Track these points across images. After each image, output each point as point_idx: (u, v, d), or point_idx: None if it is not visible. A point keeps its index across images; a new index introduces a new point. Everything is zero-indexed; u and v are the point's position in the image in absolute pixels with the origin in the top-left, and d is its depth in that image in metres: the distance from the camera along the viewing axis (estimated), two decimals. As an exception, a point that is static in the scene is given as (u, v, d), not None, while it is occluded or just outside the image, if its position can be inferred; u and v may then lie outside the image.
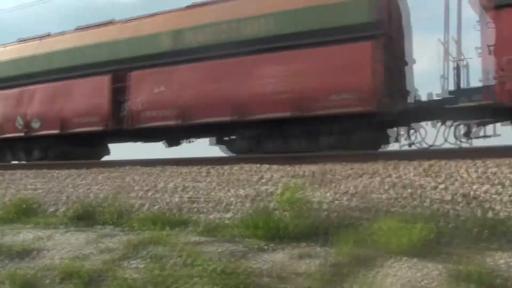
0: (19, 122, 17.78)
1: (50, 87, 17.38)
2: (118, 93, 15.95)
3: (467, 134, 12.21)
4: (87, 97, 16.36)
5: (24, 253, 8.54)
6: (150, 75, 15.36)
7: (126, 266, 7.54)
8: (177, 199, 9.66)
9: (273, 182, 9.35)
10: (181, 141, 16.31)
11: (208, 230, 8.17)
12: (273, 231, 7.48)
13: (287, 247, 7.13)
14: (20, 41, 19.74)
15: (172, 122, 14.76)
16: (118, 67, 16.00)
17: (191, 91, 14.45)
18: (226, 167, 10.72)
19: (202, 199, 9.45)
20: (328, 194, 8.44)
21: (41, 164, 14.52)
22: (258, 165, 10.48)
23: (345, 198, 8.31)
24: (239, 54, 13.82)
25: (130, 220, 9.28)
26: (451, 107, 12.14)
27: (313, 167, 9.77)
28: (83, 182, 11.90)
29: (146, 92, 15.27)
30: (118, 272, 7.35)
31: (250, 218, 8.11)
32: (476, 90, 12.22)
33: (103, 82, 16.20)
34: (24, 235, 9.32)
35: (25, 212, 10.74)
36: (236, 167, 10.50)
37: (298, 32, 13.25)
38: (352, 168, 9.50)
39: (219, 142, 15.18)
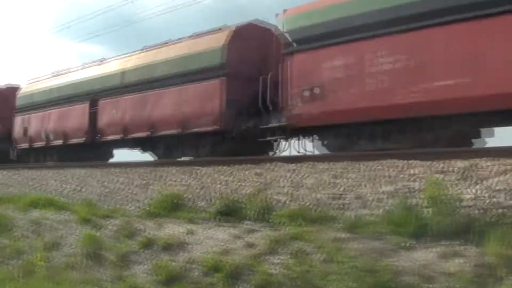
0: (43, 135, 24.46)
1: (58, 111, 23.90)
2: (94, 116, 21.78)
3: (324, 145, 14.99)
4: (76, 118, 22.65)
5: (173, 246, 9.01)
6: (109, 103, 21.16)
7: (269, 261, 7.72)
8: (318, 196, 9.71)
9: (415, 178, 9.12)
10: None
11: (349, 227, 8.15)
12: (416, 229, 7.32)
13: (431, 245, 6.96)
14: (53, 73, 26.24)
15: (119, 137, 20.42)
16: (93, 96, 21.93)
17: (128, 115, 20.11)
18: (366, 163, 10.58)
19: (343, 196, 9.42)
20: (473, 191, 8.10)
21: (189, 162, 15.17)
22: (400, 161, 10.24)
23: (492, 195, 7.93)
24: (152, 88, 19.20)
25: (273, 216, 9.44)
26: (264, 127, 15.69)
27: (459, 163, 9.40)
28: (228, 178, 12.24)
29: (107, 115, 21.15)
30: (261, 267, 7.56)
31: (392, 215, 7.99)
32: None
33: (85, 107, 22.28)
34: (173, 229, 9.83)
35: (174, 207, 11.30)
36: (376, 163, 10.33)
37: (182, 72, 18.15)
38: (500, 164, 9.01)
39: (146, 150, 20.60)
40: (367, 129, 13.61)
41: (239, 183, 11.66)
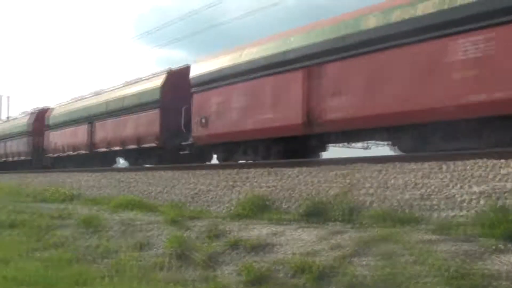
0: (62, 148, 33.18)
1: (70, 129, 32.40)
2: (93, 133, 29.73)
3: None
4: (81, 135, 30.93)
5: (259, 247, 9.14)
6: (99, 124, 29.18)
7: (357, 262, 7.73)
8: (407, 196, 9.62)
9: (508, 178, 8.85)
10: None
11: (440, 228, 8.04)
12: (510, 231, 7.12)
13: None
14: (72, 99, 35.47)
15: (105, 149, 28.42)
16: (91, 119, 30.06)
17: (109, 134, 27.94)
18: (458, 163, 10.36)
19: (433, 196, 9.30)
20: None
21: (273, 163, 15.29)
22: (492, 160, 9.96)
23: None
24: (123, 115, 26.89)
25: (360, 217, 9.45)
26: (184, 144, 21.70)
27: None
28: (314, 179, 12.29)
29: (98, 133, 29.19)
30: (349, 268, 7.56)
31: (485, 216, 7.81)
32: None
33: (85, 127, 30.43)
34: (259, 230, 9.97)
35: (260, 209, 11.47)
36: (469, 163, 10.09)
37: (137, 104, 25.71)
38: None
39: (124, 159, 28.89)
40: (240, 146, 19.38)
41: (324, 184, 11.69)
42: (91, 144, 29.81)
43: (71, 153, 32.15)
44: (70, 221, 14.13)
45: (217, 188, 14.12)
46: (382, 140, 16.13)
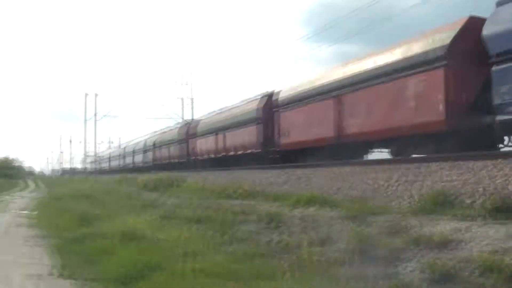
0: (199, 152, 44.89)
1: (205, 138, 43.53)
2: (218, 142, 39.98)
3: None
4: (211, 143, 41.59)
5: (443, 244, 8.84)
6: (224, 135, 38.40)
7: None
8: None
9: None
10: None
11: None
12: None
13: None
14: (209, 113, 48.92)
15: (225, 154, 38.06)
16: (217, 131, 40.08)
17: (227, 142, 37.89)
18: None
19: None
20: None
21: (455, 156, 14.70)
22: None
23: None
24: (231, 129, 37.25)
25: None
26: (272, 150, 30.61)
27: None
28: (499, 172, 11.67)
29: (221, 141, 38.88)
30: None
31: None
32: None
33: (214, 137, 40.60)
34: (442, 226, 9.65)
35: (442, 204, 11.08)
36: None
37: (243, 120, 35.20)
38: None
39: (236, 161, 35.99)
40: (308, 152, 25.97)
41: (513, 178, 11.04)
42: (217, 150, 39.86)
43: (206, 156, 42.93)
44: (253, 217, 14.56)
45: (397, 183, 13.85)
46: (381, 148, 22.72)
